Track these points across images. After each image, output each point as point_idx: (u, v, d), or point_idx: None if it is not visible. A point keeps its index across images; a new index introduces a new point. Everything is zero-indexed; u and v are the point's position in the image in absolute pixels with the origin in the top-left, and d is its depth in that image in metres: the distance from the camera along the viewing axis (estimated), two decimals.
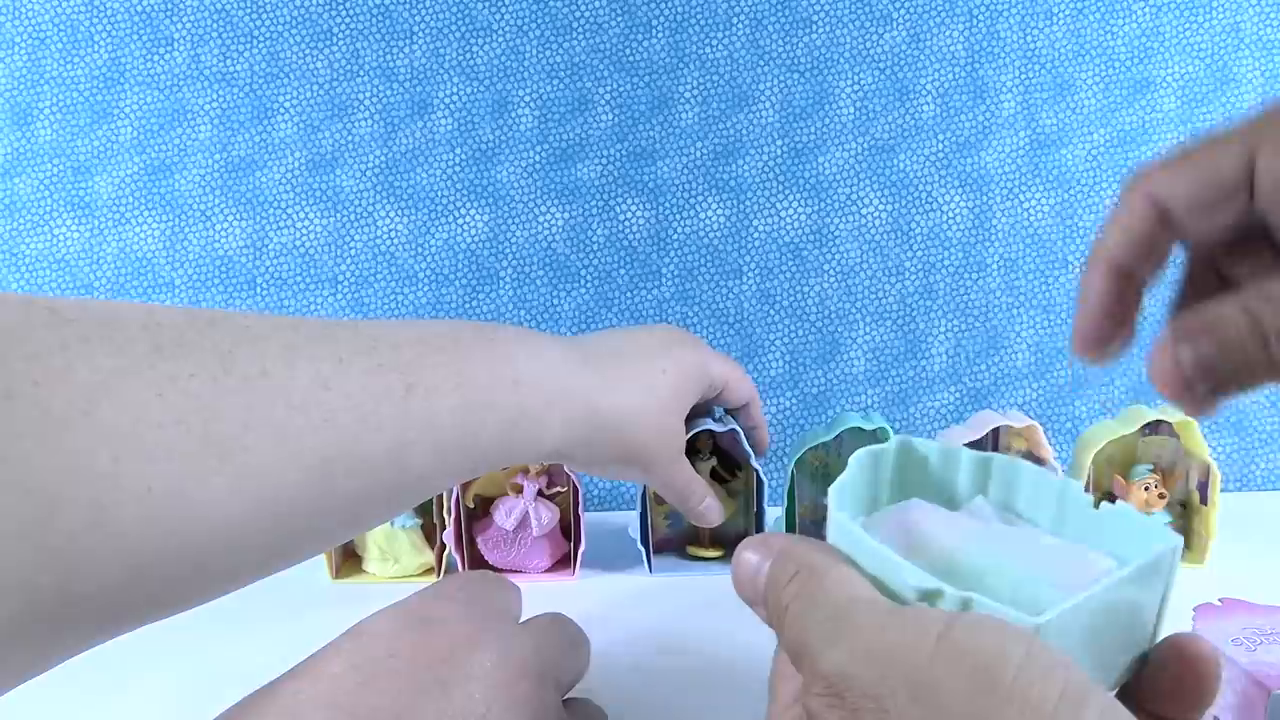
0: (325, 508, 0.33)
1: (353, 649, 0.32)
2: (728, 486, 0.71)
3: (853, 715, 0.22)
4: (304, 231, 0.91)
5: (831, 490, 0.30)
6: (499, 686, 0.32)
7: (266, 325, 0.33)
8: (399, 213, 0.91)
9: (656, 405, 0.48)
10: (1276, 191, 0.24)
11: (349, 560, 0.72)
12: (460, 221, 0.91)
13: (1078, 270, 0.26)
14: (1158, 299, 0.30)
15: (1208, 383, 0.24)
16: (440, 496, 0.69)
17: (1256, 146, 0.24)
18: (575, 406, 0.44)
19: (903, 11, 0.90)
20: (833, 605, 0.25)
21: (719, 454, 0.71)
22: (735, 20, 0.90)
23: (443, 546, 0.70)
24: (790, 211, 0.90)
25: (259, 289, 0.91)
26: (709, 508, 0.56)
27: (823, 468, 0.71)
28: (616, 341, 0.50)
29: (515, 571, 0.71)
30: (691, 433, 0.70)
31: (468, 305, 0.91)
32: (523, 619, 0.39)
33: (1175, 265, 0.30)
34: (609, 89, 0.90)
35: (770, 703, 0.29)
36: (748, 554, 0.30)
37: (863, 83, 0.90)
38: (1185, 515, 0.69)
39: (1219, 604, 0.49)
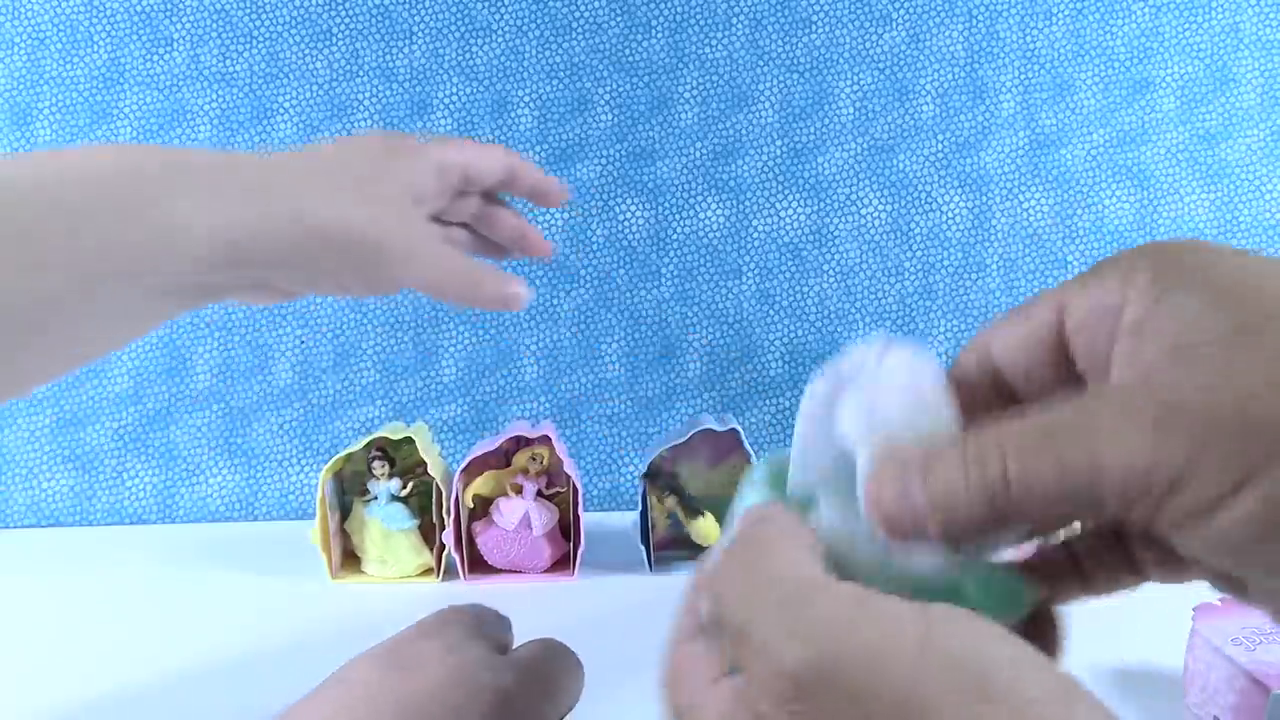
0: None
1: (337, 695, 0.32)
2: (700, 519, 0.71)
3: None
4: None
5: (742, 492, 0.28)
6: None
7: None
8: None
9: (353, 180, 0.39)
10: (1078, 326, 0.24)
11: (348, 561, 0.72)
12: None
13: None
14: None
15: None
16: (440, 496, 0.69)
17: (1063, 307, 0.25)
18: (224, 183, 0.37)
19: (902, 12, 0.90)
20: (786, 588, 0.22)
21: (679, 494, 0.71)
22: (735, 20, 0.90)
23: (442, 547, 0.70)
24: (790, 212, 0.90)
25: None
26: (505, 291, 0.41)
27: None
28: (310, 152, 0.43)
29: (515, 571, 0.71)
30: (691, 432, 0.70)
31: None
32: (516, 643, 0.38)
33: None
34: (608, 89, 0.90)
35: (672, 690, 0.25)
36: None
37: (862, 83, 0.90)
38: None
39: (1219, 603, 0.49)
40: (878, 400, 0.25)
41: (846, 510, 0.25)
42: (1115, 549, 0.26)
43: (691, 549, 0.72)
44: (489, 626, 0.37)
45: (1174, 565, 0.24)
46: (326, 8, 0.90)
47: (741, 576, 0.23)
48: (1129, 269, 0.23)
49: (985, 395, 0.27)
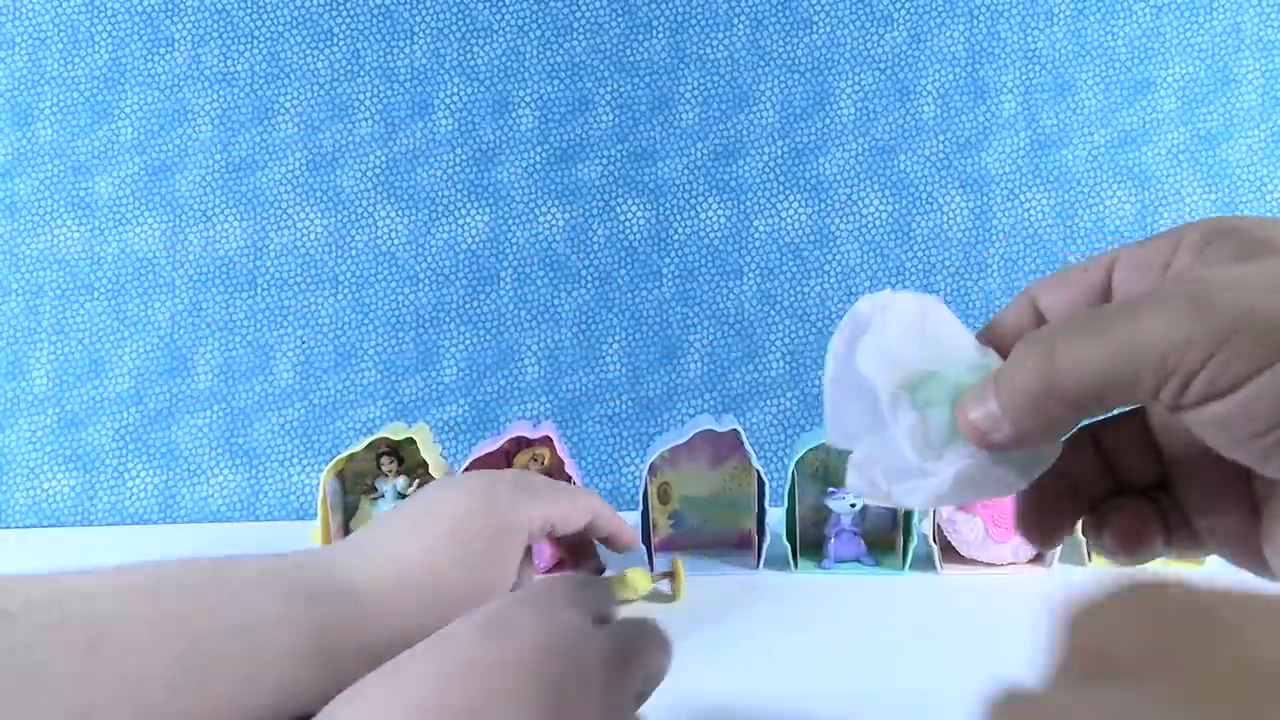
0: None
1: (437, 654, 0.32)
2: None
3: None
4: (304, 232, 0.91)
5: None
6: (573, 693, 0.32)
7: None
8: (399, 213, 0.91)
9: (435, 615, 0.40)
10: (1124, 281, 0.27)
11: None
12: (461, 221, 0.91)
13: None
14: None
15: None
16: None
17: (1114, 263, 0.27)
18: (327, 652, 0.38)
19: (903, 12, 0.90)
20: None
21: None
22: (736, 21, 0.90)
23: None
24: (791, 212, 0.90)
25: (259, 289, 0.91)
26: None
27: (822, 469, 0.71)
28: (387, 544, 0.44)
29: None
30: (692, 432, 0.70)
31: (468, 305, 0.91)
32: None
33: None
34: (609, 89, 0.90)
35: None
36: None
37: (863, 83, 0.90)
38: None
39: None
40: (891, 338, 0.27)
41: (885, 446, 0.27)
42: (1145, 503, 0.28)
43: (692, 549, 0.72)
44: (590, 596, 0.38)
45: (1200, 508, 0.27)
46: (327, 8, 0.90)
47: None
48: (1183, 233, 0.25)
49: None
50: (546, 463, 0.72)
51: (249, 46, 0.90)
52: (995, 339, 0.29)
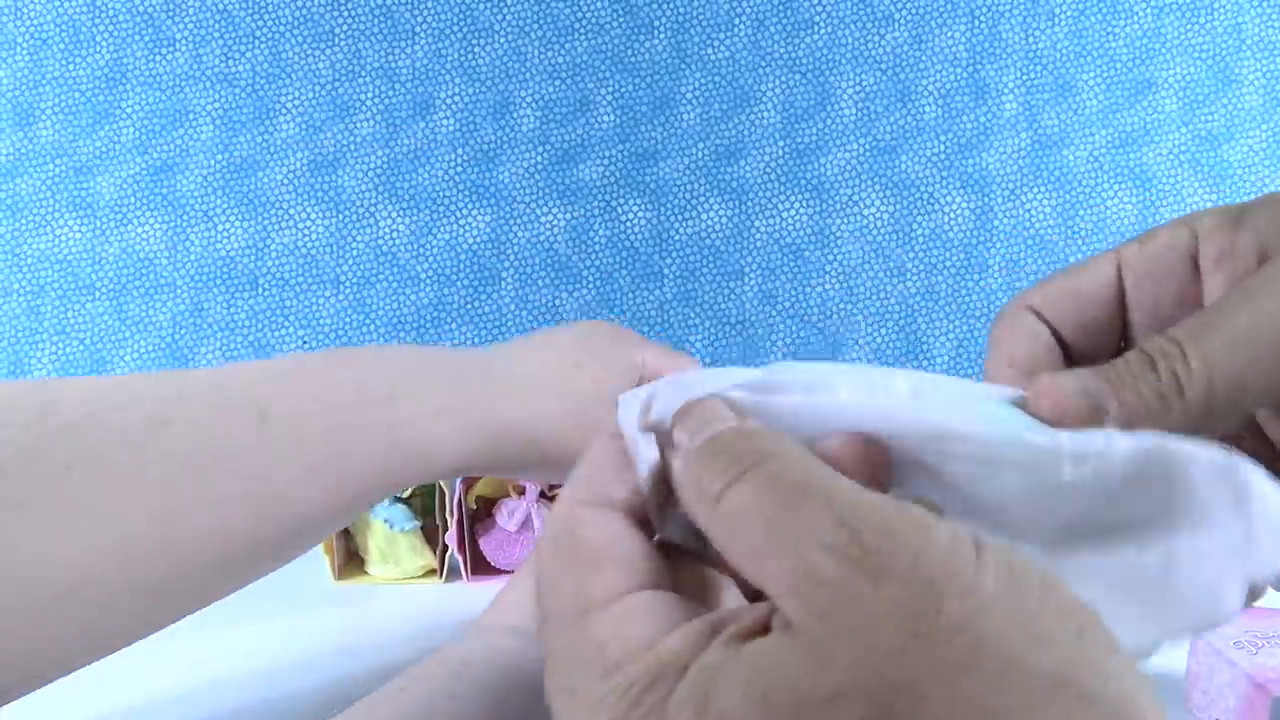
0: (183, 553, 0.31)
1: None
2: None
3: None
4: (306, 232, 0.91)
5: None
6: None
7: (103, 383, 0.33)
8: (401, 213, 0.91)
9: (572, 404, 0.43)
10: (1141, 276, 0.25)
11: (351, 562, 0.72)
12: (462, 222, 0.91)
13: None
14: None
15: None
16: (443, 497, 0.69)
17: (1117, 269, 0.26)
18: (470, 416, 0.40)
19: (904, 12, 0.90)
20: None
21: None
22: (737, 21, 0.90)
23: (445, 548, 0.70)
24: (792, 212, 0.90)
25: (260, 289, 0.91)
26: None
27: None
28: (524, 344, 0.46)
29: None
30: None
31: (469, 306, 0.91)
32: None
33: None
34: (611, 90, 0.90)
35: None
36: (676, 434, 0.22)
37: (864, 83, 0.90)
38: None
39: None
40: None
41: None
42: None
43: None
44: None
45: None
46: (329, 8, 0.90)
47: (752, 485, 0.20)
48: (1188, 218, 0.24)
49: (1028, 350, 0.27)
50: None
51: (250, 47, 0.90)
52: (1018, 373, 0.26)
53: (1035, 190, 0.90)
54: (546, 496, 0.72)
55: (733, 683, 0.17)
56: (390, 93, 0.91)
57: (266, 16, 0.90)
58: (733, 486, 0.19)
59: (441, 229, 0.91)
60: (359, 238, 0.91)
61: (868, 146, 0.90)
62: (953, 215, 0.90)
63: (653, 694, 0.18)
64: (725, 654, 0.18)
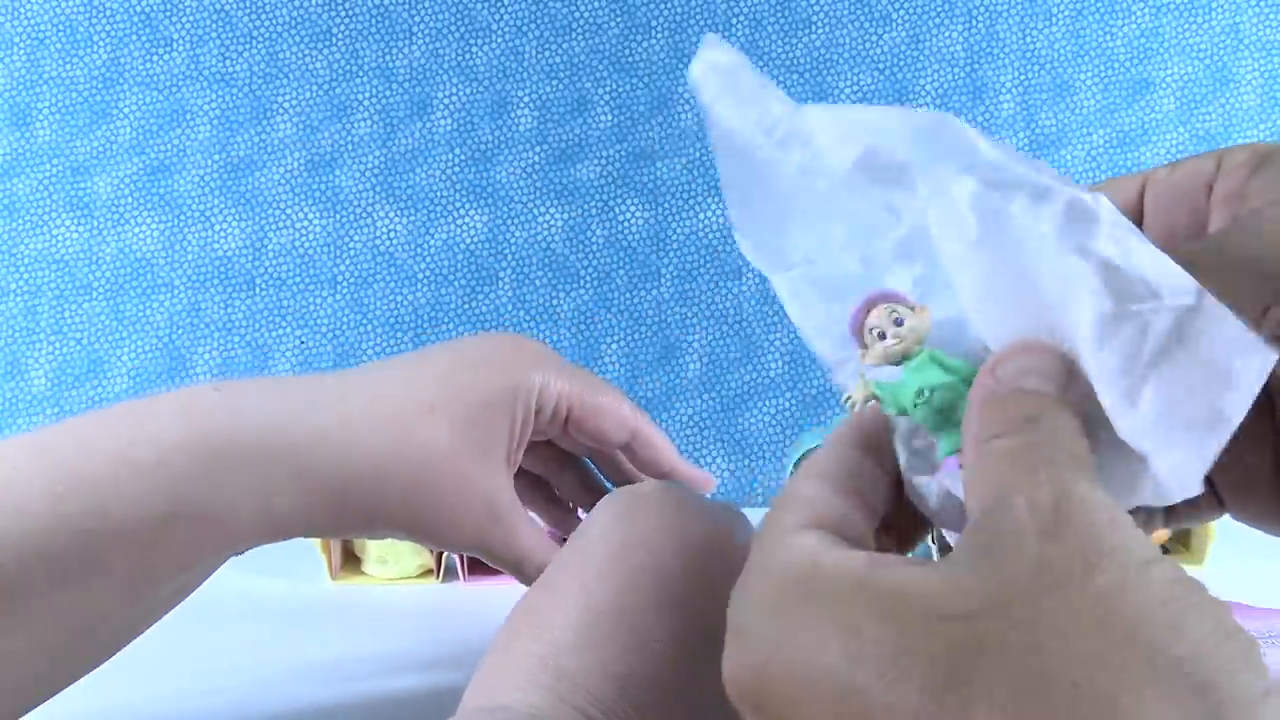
0: None
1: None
2: None
3: None
4: (303, 232, 0.91)
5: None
6: None
7: None
8: (398, 213, 0.91)
9: (419, 460, 0.36)
10: (1159, 198, 0.26)
11: (348, 562, 0.72)
12: (459, 222, 0.91)
13: None
14: None
15: None
16: None
17: (1143, 186, 0.26)
18: (277, 470, 0.35)
19: (902, 12, 0.90)
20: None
21: None
22: (734, 21, 0.90)
23: None
24: None
25: (258, 289, 0.91)
26: None
27: None
28: (378, 379, 0.38)
29: None
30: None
31: (467, 306, 0.91)
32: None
33: None
34: (608, 89, 0.90)
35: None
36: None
37: (862, 83, 0.90)
38: None
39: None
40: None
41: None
42: None
43: None
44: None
45: None
46: (326, 8, 0.90)
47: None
48: (1222, 156, 0.25)
49: None
50: None
51: (247, 47, 0.90)
52: None
53: None
54: None
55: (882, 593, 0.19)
56: (387, 92, 0.90)
57: (264, 16, 0.90)
58: (1001, 438, 0.21)
59: (439, 229, 0.91)
60: (356, 237, 0.91)
61: None
62: None
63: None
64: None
